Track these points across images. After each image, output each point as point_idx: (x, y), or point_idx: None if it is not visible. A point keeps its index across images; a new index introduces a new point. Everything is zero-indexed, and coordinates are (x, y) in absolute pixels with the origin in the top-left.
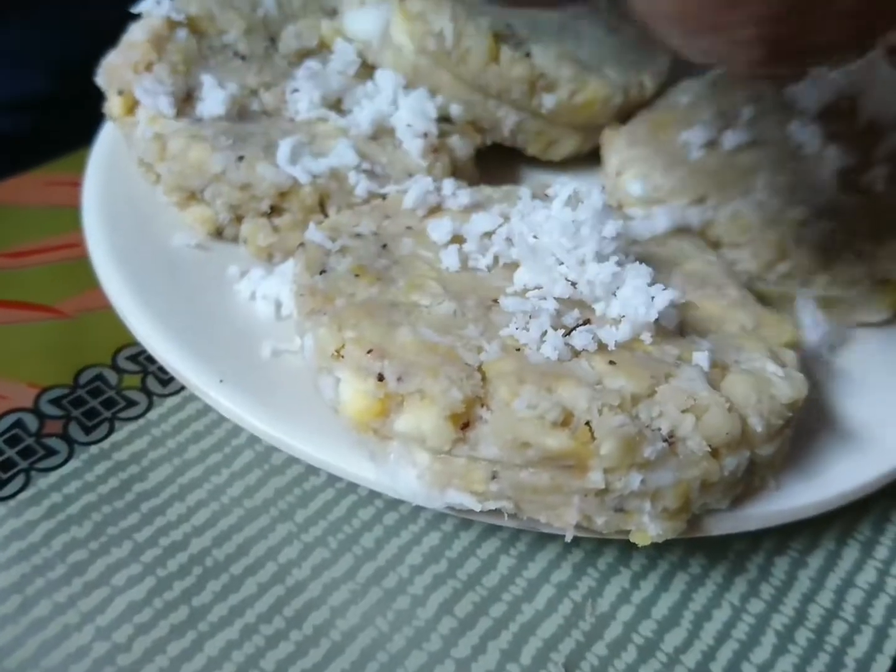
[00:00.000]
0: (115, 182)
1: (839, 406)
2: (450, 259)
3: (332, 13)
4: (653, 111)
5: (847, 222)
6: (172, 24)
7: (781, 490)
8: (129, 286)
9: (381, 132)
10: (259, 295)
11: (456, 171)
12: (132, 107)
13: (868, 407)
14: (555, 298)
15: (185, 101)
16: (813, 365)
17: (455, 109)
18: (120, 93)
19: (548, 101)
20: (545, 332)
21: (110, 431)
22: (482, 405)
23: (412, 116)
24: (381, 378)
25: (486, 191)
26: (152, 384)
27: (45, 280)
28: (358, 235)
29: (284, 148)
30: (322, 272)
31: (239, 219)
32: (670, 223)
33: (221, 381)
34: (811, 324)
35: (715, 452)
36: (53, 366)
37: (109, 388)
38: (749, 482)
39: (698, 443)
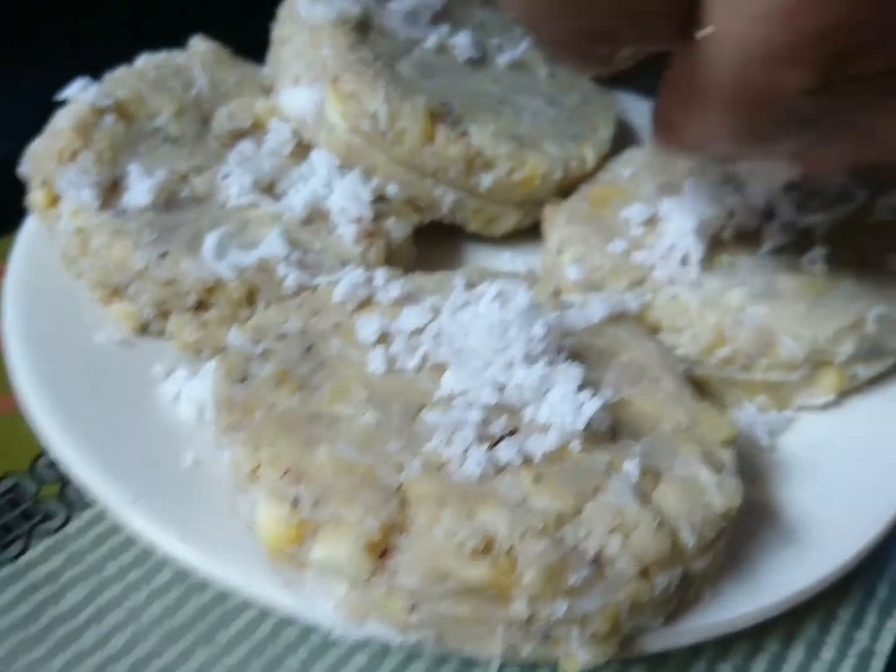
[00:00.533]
0: (38, 275)
1: (781, 499)
2: (376, 362)
3: (270, 90)
4: (594, 185)
5: (786, 305)
6: (99, 110)
7: (719, 600)
8: (42, 390)
9: (316, 216)
10: (183, 396)
11: (392, 254)
12: (55, 199)
13: (811, 499)
14: (482, 405)
15: (112, 189)
16: (753, 454)
17: (391, 189)
18: (43, 184)
19: (485, 180)
20: (468, 447)
21: (25, 548)
22: (401, 531)
23: (346, 200)
24: (296, 503)
25: (420, 279)
26: (72, 493)
27: None
28: (283, 336)
29: (210, 242)
30: (243, 379)
31: (165, 314)
32: (606, 312)
33: (135, 499)
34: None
35: (645, 571)
36: None
37: (26, 498)
38: (683, 596)
39: (627, 563)
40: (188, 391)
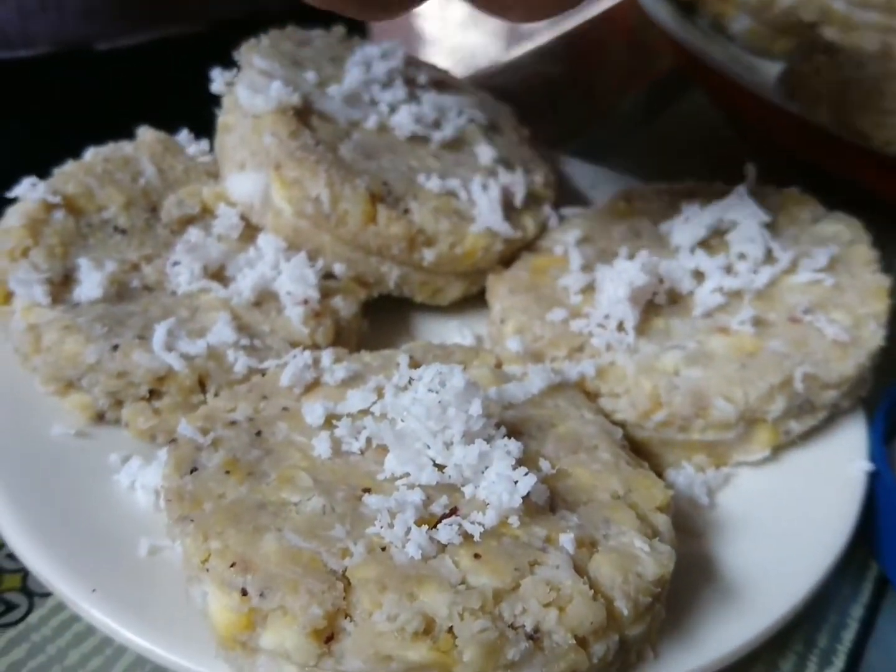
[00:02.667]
0: None
1: (720, 556)
2: (322, 447)
3: (217, 176)
4: (534, 254)
5: (718, 367)
6: (49, 206)
7: (660, 659)
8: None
9: (265, 298)
10: (138, 485)
11: (341, 332)
12: (7, 296)
13: (749, 554)
14: (422, 487)
15: (63, 283)
16: (693, 513)
17: (338, 268)
18: None
19: (428, 255)
20: (409, 530)
21: None
22: (345, 616)
23: (292, 283)
24: (244, 593)
25: (366, 357)
26: (34, 583)
27: None
28: (232, 423)
29: (160, 333)
30: (193, 470)
31: (119, 403)
32: (545, 383)
33: (94, 590)
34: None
35: (582, 642)
36: None
37: None
38: (625, 659)
39: (563, 636)
40: (143, 479)
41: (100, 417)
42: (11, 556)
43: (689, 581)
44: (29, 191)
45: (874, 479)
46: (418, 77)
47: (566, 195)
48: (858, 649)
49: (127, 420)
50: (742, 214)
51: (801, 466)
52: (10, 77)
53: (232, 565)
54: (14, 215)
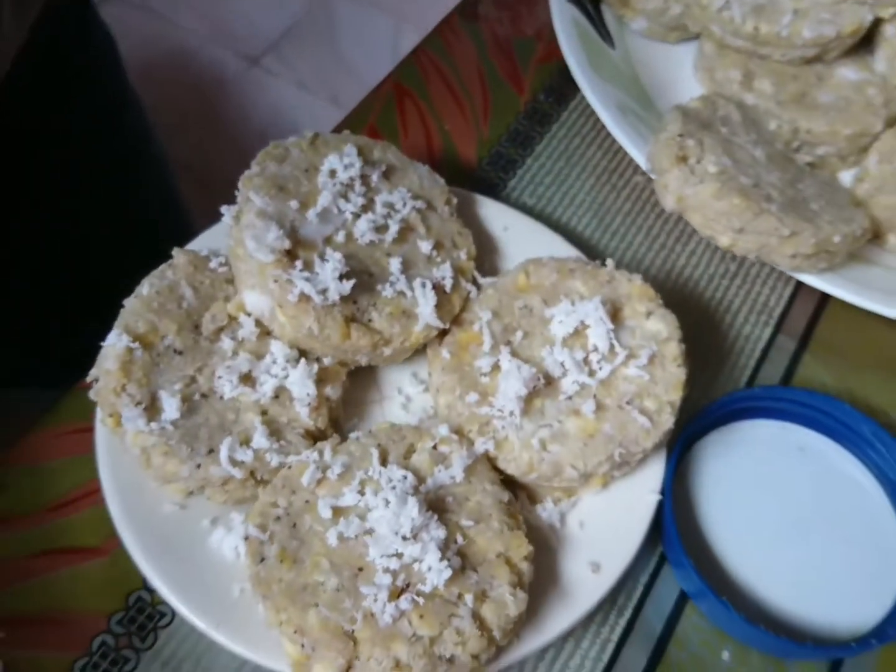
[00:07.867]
0: (123, 469)
1: (566, 563)
2: (331, 538)
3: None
4: (459, 328)
5: (570, 444)
6: (131, 349)
7: (518, 641)
8: (135, 542)
9: (280, 392)
10: (224, 545)
11: (332, 412)
12: (118, 420)
13: (584, 559)
14: (390, 572)
15: (151, 406)
16: (550, 533)
17: (327, 360)
18: (110, 414)
19: (386, 351)
20: (384, 604)
21: (155, 638)
22: (357, 659)
23: (299, 386)
24: (302, 647)
25: (351, 447)
26: None
27: (83, 525)
28: (278, 518)
29: (224, 451)
30: (262, 560)
31: (202, 489)
32: (463, 466)
33: (218, 625)
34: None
35: (476, 657)
36: (109, 595)
37: (148, 605)
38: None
39: (465, 658)
40: (227, 542)
41: (190, 493)
42: None
43: (543, 582)
44: (116, 340)
45: (663, 504)
46: (372, 176)
47: (482, 238)
48: (640, 603)
49: (209, 496)
50: (595, 319)
51: (620, 495)
52: None
53: (294, 632)
54: (108, 359)
